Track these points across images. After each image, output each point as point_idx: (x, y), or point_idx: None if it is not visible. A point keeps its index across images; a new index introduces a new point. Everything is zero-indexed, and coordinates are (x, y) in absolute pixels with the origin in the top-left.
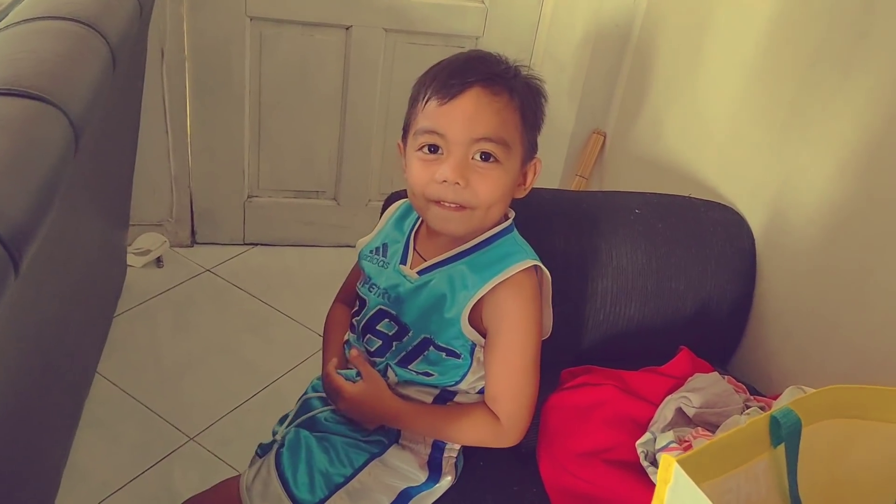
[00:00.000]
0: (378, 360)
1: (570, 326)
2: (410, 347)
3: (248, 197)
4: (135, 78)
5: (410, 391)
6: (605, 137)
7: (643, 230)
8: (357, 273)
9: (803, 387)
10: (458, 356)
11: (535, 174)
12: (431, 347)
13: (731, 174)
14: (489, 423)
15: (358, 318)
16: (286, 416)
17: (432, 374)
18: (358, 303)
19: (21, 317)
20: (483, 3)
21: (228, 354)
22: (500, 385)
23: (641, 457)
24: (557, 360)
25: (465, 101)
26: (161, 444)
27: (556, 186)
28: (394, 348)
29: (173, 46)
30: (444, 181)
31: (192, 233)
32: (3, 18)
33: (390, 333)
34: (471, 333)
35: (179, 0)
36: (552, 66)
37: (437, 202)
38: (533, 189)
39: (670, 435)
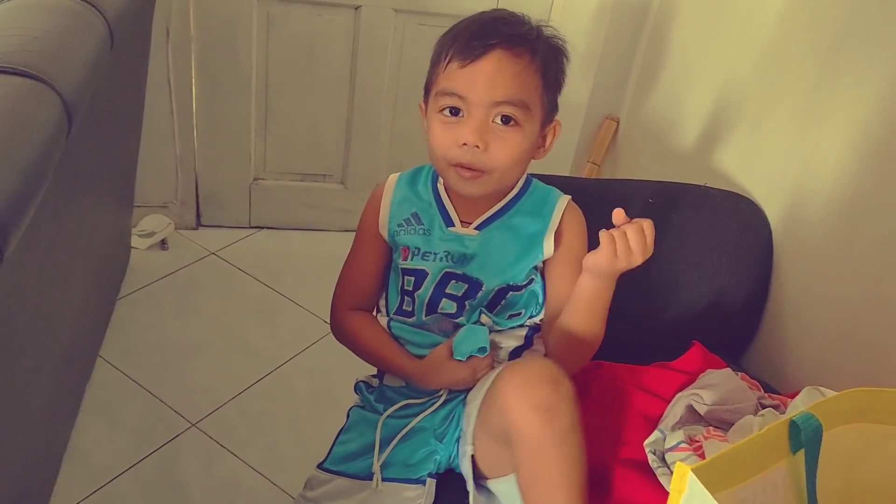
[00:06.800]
0: (459, 320)
1: None
2: (486, 301)
3: (255, 180)
4: (139, 57)
5: (501, 338)
6: (618, 123)
7: (656, 220)
8: (364, 268)
9: (821, 388)
10: (532, 282)
11: (554, 136)
12: (510, 293)
13: (749, 163)
14: None
15: (420, 291)
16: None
17: (519, 313)
18: (413, 278)
19: (19, 298)
20: None
21: (232, 339)
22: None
23: (650, 457)
24: None
25: (486, 63)
26: (163, 430)
27: (567, 173)
28: (467, 307)
29: (179, 26)
30: (465, 144)
31: (198, 215)
32: None
33: (460, 294)
34: (550, 249)
35: None
36: None
37: (457, 165)
38: (544, 176)
39: (680, 434)
